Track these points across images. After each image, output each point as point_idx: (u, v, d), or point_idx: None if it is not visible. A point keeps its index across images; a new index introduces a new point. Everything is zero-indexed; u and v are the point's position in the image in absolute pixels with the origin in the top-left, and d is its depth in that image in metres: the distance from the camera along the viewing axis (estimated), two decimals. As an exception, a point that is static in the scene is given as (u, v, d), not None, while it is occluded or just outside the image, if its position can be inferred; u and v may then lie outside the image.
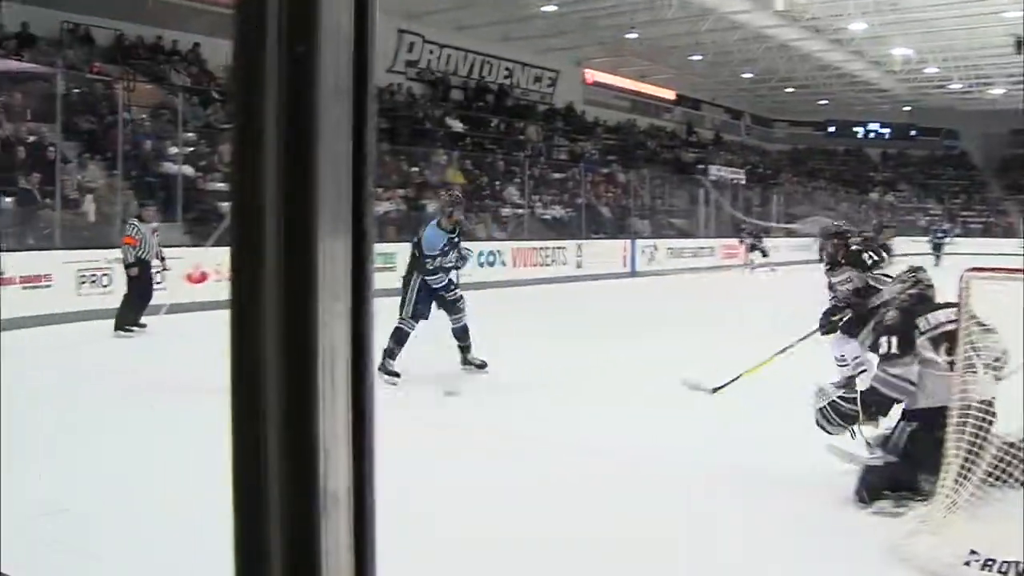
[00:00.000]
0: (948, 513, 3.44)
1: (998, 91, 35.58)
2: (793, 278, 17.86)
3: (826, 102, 39.85)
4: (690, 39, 27.82)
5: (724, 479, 4.40)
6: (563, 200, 23.97)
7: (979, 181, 42.02)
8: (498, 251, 18.30)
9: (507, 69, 29.24)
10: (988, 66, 32.30)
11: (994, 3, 24.02)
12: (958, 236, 35.62)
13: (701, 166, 32.50)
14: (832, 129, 43.27)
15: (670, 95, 36.86)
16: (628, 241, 22.14)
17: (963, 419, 3.36)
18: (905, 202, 40.54)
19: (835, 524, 3.80)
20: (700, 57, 30.84)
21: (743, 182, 33.01)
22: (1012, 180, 40.16)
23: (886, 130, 43.29)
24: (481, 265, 15.99)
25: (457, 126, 25.41)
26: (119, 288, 9.94)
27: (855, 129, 43.55)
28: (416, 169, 20.99)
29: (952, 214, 39.70)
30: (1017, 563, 3.04)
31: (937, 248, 29.03)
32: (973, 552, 3.14)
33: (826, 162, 42.44)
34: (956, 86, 35.30)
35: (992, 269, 3.70)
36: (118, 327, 9.40)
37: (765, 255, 23.10)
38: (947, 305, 3.95)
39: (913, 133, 43.03)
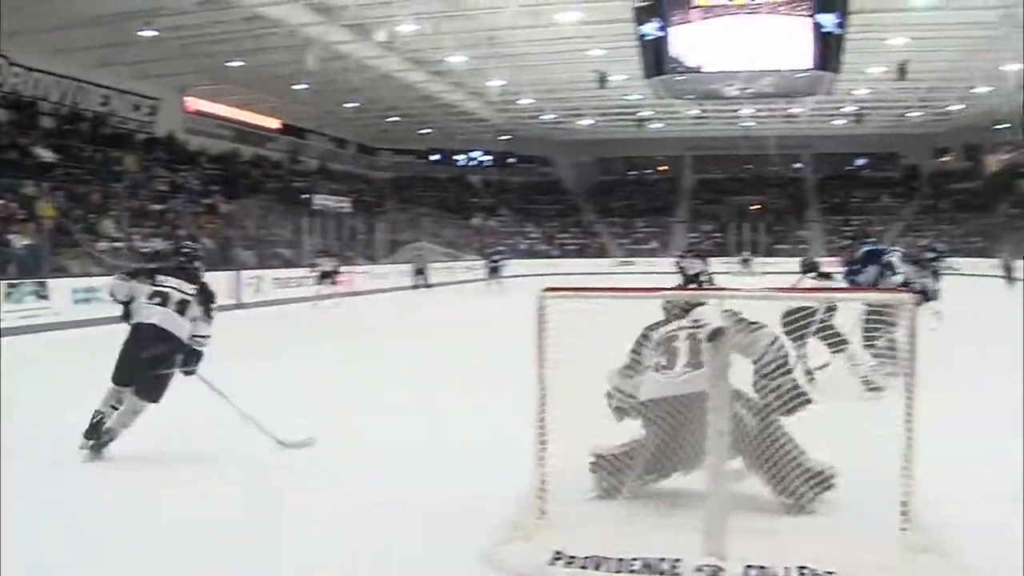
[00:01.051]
0: (539, 519, 4.27)
1: (587, 122, 45.63)
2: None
3: (429, 131, 47.56)
4: (294, 68, 31.73)
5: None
6: (163, 232, 25.25)
7: (573, 205, 52.44)
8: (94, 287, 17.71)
9: (104, 96, 31.21)
10: (576, 99, 41.29)
11: (581, 42, 31.81)
12: (559, 257, 45.03)
13: (306, 195, 37.16)
14: (436, 157, 51.78)
15: (275, 124, 41.58)
16: (234, 273, 23.37)
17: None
18: (507, 226, 49.11)
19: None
20: (305, 86, 35.22)
21: (349, 210, 38.13)
22: (601, 204, 51.25)
23: (487, 158, 52.64)
24: (77, 303, 17.13)
25: (47, 155, 26.77)
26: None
27: (457, 157, 52.43)
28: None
29: (550, 236, 49.26)
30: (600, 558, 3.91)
31: (494, 272, 31.96)
32: (558, 554, 3.94)
33: (430, 189, 50.01)
34: (549, 117, 44.26)
35: (564, 288, 4.38)
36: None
37: (335, 283, 24.76)
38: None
39: (512, 161, 52.85)
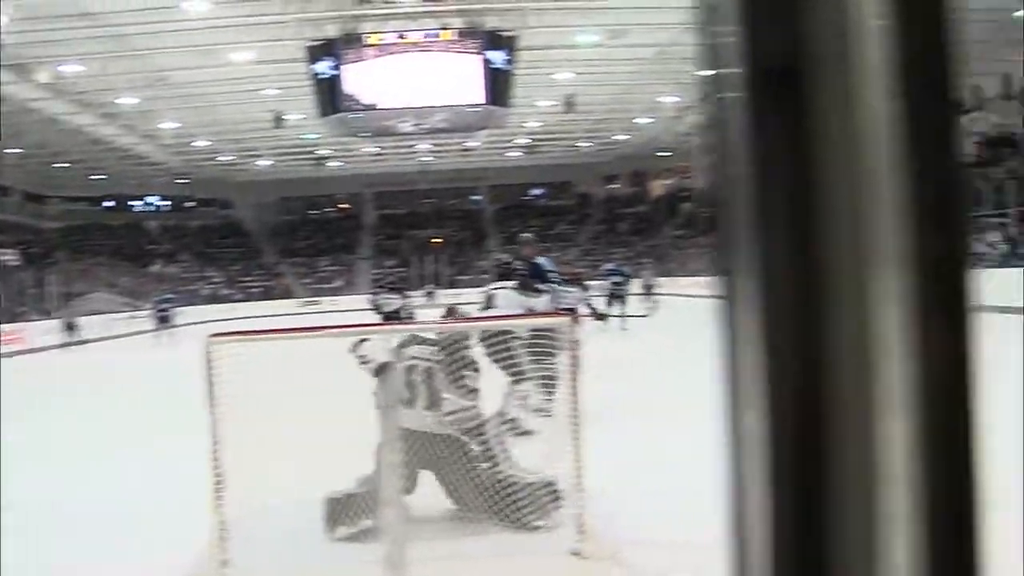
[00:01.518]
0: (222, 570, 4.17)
1: (265, 162, 44.93)
2: None
3: (103, 176, 44.95)
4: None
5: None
6: None
7: (255, 247, 51.20)
8: None
9: None
10: (253, 139, 40.72)
11: (255, 82, 31.47)
12: (242, 300, 43.66)
13: (-37, 249, 34.13)
14: (109, 203, 48.68)
15: (-79, 172, 37.19)
16: None
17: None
18: (188, 272, 47.08)
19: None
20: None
21: (16, 263, 35.50)
22: (284, 245, 50.38)
23: (165, 202, 50.26)
24: None
25: None
26: None
27: (132, 203, 49.62)
28: None
29: (233, 280, 47.76)
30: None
31: (163, 321, 27.60)
32: None
33: (105, 237, 47.01)
34: (226, 158, 43.26)
35: (233, 333, 4.35)
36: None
37: None
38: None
39: (190, 204, 50.87)
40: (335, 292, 44.45)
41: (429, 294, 40.46)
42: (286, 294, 46.09)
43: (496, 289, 7.08)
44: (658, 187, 54.30)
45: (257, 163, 45.11)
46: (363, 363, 4.24)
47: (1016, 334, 6.82)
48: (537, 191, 55.50)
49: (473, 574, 3.93)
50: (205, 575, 4.12)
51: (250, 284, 48.03)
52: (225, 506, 4.18)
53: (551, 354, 4.74)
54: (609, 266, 18.83)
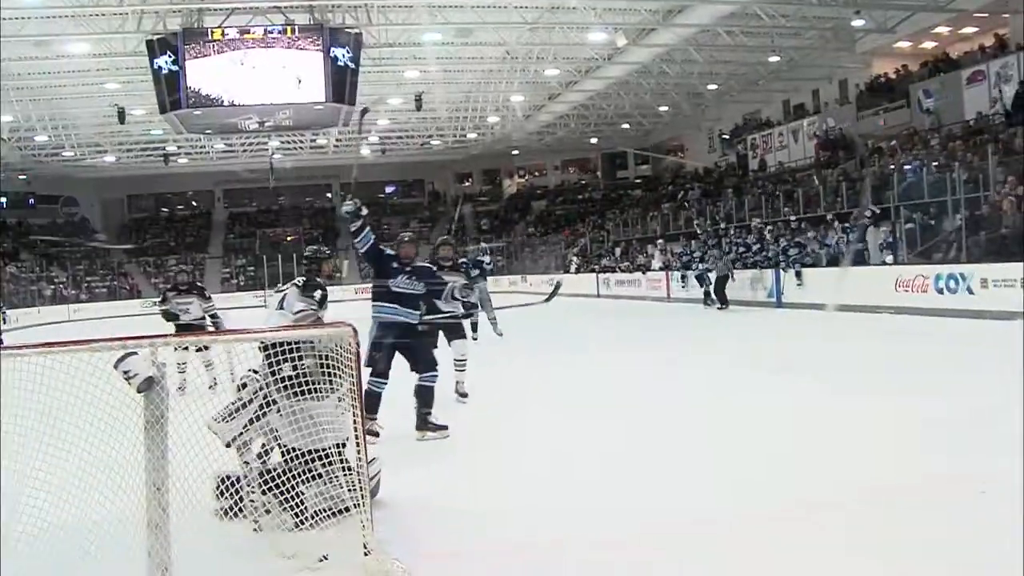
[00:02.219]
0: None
1: (111, 158, 42.92)
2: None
3: (-66, 172, 41.70)
4: None
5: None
6: None
7: (102, 247, 48.79)
8: None
9: None
10: (97, 135, 38.95)
11: (97, 75, 30.07)
12: (88, 301, 41.70)
13: None
14: (-57, 203, 45.35)
15: None
16: None
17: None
18: (28, 271, 44.49)
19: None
20: None
21: None
22: (133, 243, 48.23)
23: (2, 199, 47.21)
24: None
25: None
26: None
27: (-32, 200, 46.44)
28: None
29: (77, 280, 45.47)
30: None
31: None
32: None
33: (-63, 238, 44.04)
34: (69, 153, 41.11)
35: (27, 345, 3.96)
36: None
37: None
38: None
39: (32, 202, 48.09)
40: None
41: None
42: (133, 294, 44.28)
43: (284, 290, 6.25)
44: (511, 185, 54.65)
45: (103, 159, 43.03)
46: (128, 379, 3.93)
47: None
48: (390, 188, 54.84)
49: None
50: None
51: (96, 284, 45.91)
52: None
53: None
54: (472, 253, 16.71)
